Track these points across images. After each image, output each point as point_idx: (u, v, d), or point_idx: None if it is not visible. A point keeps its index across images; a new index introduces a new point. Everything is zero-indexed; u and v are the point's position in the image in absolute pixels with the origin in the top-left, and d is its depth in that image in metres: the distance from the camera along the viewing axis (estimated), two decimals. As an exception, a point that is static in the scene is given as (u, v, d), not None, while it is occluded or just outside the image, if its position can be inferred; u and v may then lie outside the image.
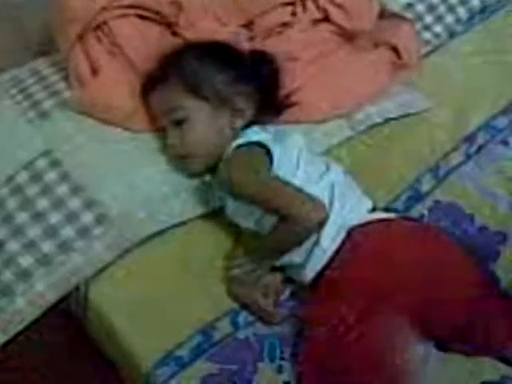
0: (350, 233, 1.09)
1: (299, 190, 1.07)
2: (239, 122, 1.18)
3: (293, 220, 1.06)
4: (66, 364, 1.41)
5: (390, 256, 1.06)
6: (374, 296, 1.03)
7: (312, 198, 1.06)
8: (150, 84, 1.22)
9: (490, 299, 1.07)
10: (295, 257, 1.10)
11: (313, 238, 1.08)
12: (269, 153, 1.11)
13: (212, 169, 1.18)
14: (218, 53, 1.22)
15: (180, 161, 1.21)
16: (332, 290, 1.07)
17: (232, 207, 1.15)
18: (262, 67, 1.22)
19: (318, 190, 1.10)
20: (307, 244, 1.08)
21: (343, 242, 1.08)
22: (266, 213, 1.10)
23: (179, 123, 1.17)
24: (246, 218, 1.15)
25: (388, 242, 1.09)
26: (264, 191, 1.08)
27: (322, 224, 1.06)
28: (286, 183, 1.09)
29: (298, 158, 1.14)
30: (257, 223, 1.13)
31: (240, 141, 1.13)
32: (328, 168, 1.16)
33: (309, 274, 1.11)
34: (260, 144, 1.12)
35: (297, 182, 1.10)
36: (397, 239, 1.11)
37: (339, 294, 1.05)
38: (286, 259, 1.12)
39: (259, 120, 1.20)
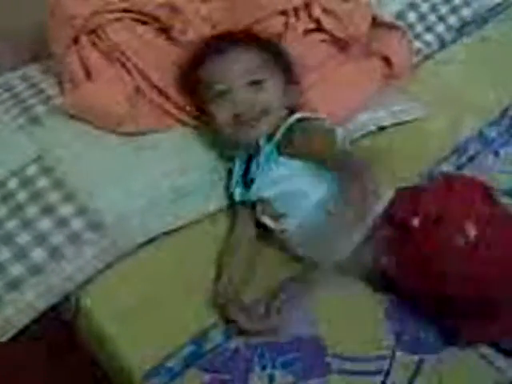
0: None
1: None
2: (292, 99, 1.25)
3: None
4: (56, 372, 1.40)
5: None
6: None
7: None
8: (223, 44, 1.23)
9: None
10: None
11: None
12: None
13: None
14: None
15: (242, 124, 1.20)
16: None
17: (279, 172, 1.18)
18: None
19: None
20: None
21: None
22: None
23: (256, 82, 1.20)
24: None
25: None
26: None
27: None
28: None
29: None
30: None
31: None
32: None
33: None
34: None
35: None
36: None
37: None
38: None
39: None
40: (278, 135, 1.19)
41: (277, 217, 1.19)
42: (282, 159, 1.18)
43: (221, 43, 1.24)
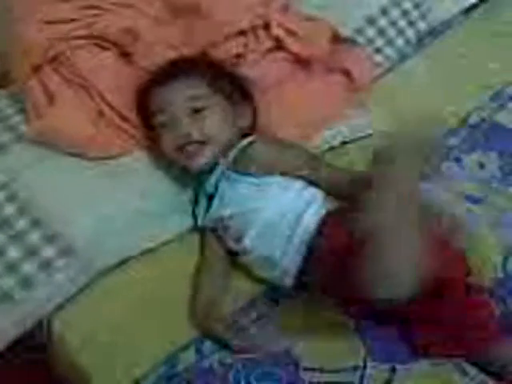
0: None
1: None
2: (241, 123, 1.26)
3: None
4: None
5: None
6: None
7: None
8: (164, 76, 1.25)
9: None
10: None
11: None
12: None
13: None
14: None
15: (186, 153, 1.21)
16: None
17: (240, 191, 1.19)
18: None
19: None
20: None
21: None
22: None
23: (197, 111, 1.20)
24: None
25: None
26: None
27: None
28: None
29: None
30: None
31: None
32: None
33: None
34: None
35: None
36: None
37: None
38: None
39: None
40: (231, 157, 1.21)
41: (236, 237, 1.20)
42: (242, 178, 1.20)
43: (163, 73, 1.26)
